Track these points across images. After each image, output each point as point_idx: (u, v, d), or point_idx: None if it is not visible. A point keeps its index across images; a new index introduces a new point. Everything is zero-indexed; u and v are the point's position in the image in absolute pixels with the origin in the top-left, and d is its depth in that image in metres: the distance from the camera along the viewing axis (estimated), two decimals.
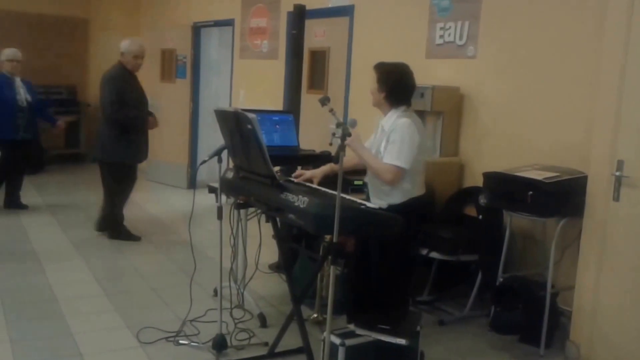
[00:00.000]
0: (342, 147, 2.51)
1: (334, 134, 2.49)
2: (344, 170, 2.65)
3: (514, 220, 3.92)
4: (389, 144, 3.13)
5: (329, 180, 3.34)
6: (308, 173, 3.40)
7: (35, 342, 3.50)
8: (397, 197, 3.21)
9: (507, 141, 4.31)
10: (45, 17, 9.68)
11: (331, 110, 2.80)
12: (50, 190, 7.73)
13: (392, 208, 3.14)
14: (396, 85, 3.21)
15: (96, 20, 10.06)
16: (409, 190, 3.23)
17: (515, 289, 3.75)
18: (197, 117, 8.23)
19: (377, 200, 3.26)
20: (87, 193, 7.77)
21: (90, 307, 4.08)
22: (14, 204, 6.55)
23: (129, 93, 5.39)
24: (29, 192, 7.46)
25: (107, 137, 5.37)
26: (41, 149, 7.44)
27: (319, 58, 6.30)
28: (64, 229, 5.96)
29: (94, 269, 4.82)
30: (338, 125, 2.50)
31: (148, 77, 8.97)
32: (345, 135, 2.47)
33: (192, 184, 8.02)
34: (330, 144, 2.57)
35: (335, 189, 2.59)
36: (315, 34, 6.40)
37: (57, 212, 6.59)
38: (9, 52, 6.33)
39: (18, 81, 6.27)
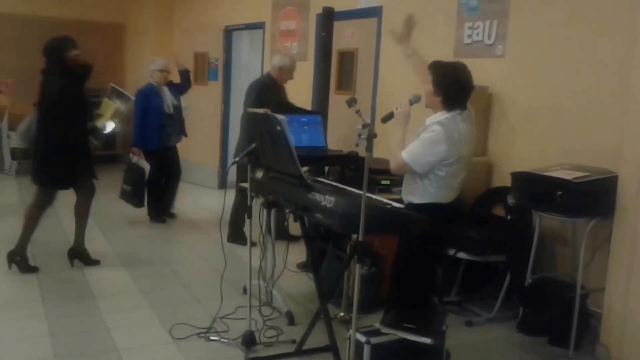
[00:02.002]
0: (369, 148, 2.55)
1: (360, 135, 2.53)
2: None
3: (544, 221, 3.89)
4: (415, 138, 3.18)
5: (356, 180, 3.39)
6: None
7: (74, 337, 3.63)
8: (417, 197, 3.24)
9: (537, 140, 4.28)
10: (83, 22, 9.92)
11: (357, 112, 2.85)
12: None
13: (410, 206, 3.19)
14: (452, 90, 3.13)
15: (132, 25, 10.29)
16: (432, 193, 3.22)
17: (543, 290, 3.73)
18: (228, 118, 8.35)
19: (404, 196, 3.34)
20: None
21: (126, 304, 4.21)
22: (166, 213, 6.47)
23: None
24: (67, 193, 7.67)
25: None
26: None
27: (348, 59, 6.34)
28: (102, 228, 6.11)
29: (130, 267, 4.95)
30: (364, 126, 2.53)
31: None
32: (372, 136, 2.51)
33: (223, 184, 8.14)
34: (357, 145, 2.61)
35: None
36: (344, 35, 6.44)
37: (94, 211, 6.71)
38: (161, 62, 6.31)
39: (165, 90, 6.26)
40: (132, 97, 5.66)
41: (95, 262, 4.93)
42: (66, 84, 4.57)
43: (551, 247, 4.11)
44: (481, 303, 4.27)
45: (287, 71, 5.54)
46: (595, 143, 3.87)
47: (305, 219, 3.40)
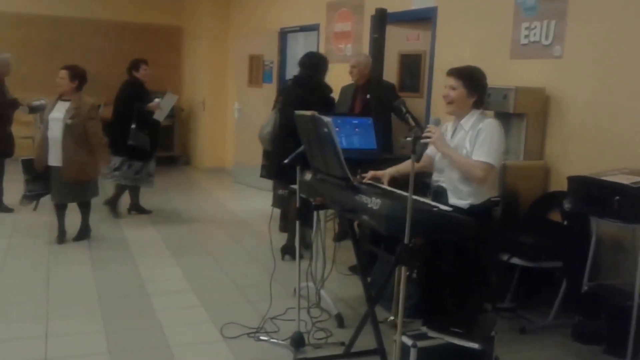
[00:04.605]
0: (413, 149, 2.53)
1: (406, 137, 2.52)
2: (404, 175, 2.71)
3: (601, 226, 3.76)
4: (478, 142, 3.20)
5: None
6: (379, 172, 3.47)
7: (128, 334, 3.73)
8: (479, 197, 3.27)
9: (597, 144, 4.13)
10: (143, 25, 10.27)
11: (406, 114, 2.83)
12: (145, 191, 8.13)
13: (474, 208, 3.21)
14: (485, 89, 3.37)
15: (189, 29, 10.54)
16: (490, 190, 3.31)
17: (600, 298, 3.60)
18: None
19: (458, 200, 3.28)
20: (180, 194, 8.15)
21: (179, 303, 4.30)
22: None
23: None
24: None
25: None
26: None
27: (412, 62, 6.32)
28: (157, 228, 6.29)
29: (184, 266, 5.07)
30: (411, 128, 2.52)
31: (236, 82, 9.34)
32: (417, 138, 2.49)
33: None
34: (403, 148, 2.60)
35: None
36: (408, 38, 6.41)
37: (152, 211, 6.94)
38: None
39: None
40: None
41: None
42: (319, 96, 5.00)
43: (609, 254, 3.96)
44: (536, 310, 4.15)
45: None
46: None
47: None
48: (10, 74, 6.68)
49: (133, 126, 6.24)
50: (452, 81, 3.29)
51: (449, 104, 3.31)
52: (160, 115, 6.52)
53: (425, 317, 3.24)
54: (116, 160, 6.39)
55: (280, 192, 6.02)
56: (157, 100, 6.44)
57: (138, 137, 6.27)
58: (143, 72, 6.51)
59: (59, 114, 5.35)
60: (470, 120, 3.30)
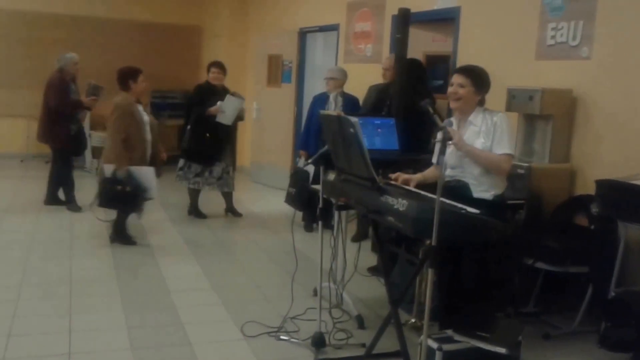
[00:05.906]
0: (443, 151, 2.49)
1: (434, 138, 2.48)
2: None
3: (630, 231, 3.69)
4: (497, 136, 3.32)
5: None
6: (406, 175, 3.44)
7: (149, 330, 3.74)
8: (501, 187, 3.43)
9: (625, 147, 4.06)
10: (162, 25, 10.30)
11: (433, 115, 2.79)
12: (163, 188, 8.14)
13: (497, 198, 3.35)
14: (489, 87, 3.48)
15: (209, 28, 10.55)
16: (501, 182, 3.44)
17: (628, 304, 3.54)
18: (301, 120, 8.37)
19: (483, 193, 3.37)
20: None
21: (199, 300, 4.30)
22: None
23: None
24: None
25: None
26: None
27: (439, 63, 6.27)
28: (176, 226, 6.30)
29: (203, 264, 5.07)
30: (440, 129, 2.48)
31: (255, 82, 9.34)
32: (447, 139, 2.45)
33: None
34: (431, 148, 2.56)
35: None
36: (434, 39, 6.36)
37: (170, 209, 6.95)
38: (328, 69, 6.39)
39: (334, 98, 6.15)
40: None
41: None
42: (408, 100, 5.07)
43: (637, 259, 3.89)
44: (561, 316, 4.09)
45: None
46: None
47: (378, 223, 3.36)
48: (78, 73, 6.78)
49: (188, 127, 6.40)
50: (461, 79, 3.39)
51: (457, 101, 3.41)
52: (223, 119, 6.46)
53: (442, 320, 3.20)
54: (196, 167, 6.48)
55: (289, 190, 6.04)
56: (219, 103, 6.43)
57: (188, 140, 6.41)
58: (212, 76, 6.62)
59: (146, 116, 5.56)
60: (478, 116, 3.41)
